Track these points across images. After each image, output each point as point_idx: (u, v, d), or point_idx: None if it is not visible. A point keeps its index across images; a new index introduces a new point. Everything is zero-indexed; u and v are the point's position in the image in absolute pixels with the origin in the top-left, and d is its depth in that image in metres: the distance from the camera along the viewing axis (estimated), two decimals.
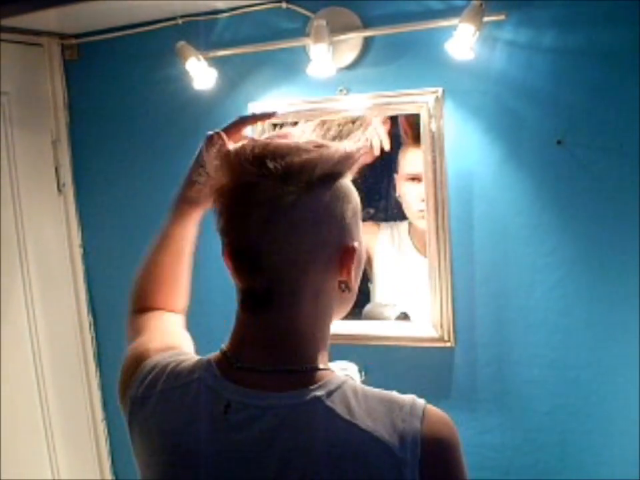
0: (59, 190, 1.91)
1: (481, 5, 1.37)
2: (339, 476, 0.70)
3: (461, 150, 1.53)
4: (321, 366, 0.78)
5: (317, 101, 1.61)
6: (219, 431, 0.75)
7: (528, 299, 1.53)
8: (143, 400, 0.83)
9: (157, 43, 1.75)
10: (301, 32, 1.61)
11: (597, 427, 1.51)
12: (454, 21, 1.41)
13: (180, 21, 1.71)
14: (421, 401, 0.78)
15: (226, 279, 0.84)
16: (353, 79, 1.59)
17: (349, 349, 1.64)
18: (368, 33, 1.56)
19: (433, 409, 0.77)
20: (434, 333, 1.59)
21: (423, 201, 1.58)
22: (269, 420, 0.73)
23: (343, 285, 0.79)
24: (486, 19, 1.39)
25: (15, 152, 1.77)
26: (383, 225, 1.69)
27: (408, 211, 1.65)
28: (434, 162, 1.52)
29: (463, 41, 1.39)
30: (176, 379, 0.81)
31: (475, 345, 1.59)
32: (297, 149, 0.75)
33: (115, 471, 2.03)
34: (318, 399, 0.73)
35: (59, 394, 1.87)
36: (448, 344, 1.59)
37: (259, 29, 1.66)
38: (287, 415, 0.73)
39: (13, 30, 1.72)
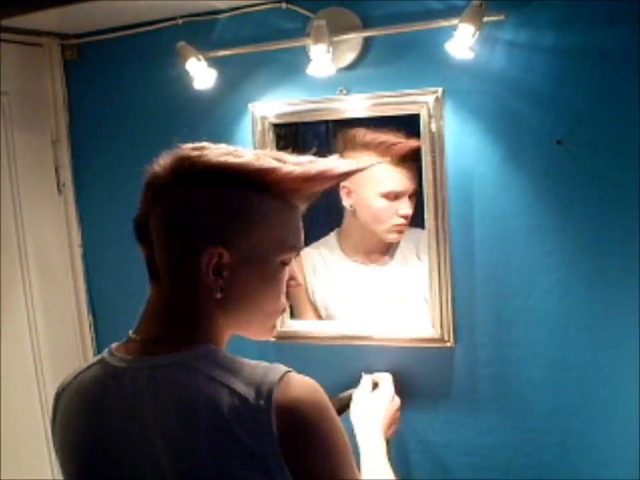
0: (59, 190, 1.91)
1: (481, 5, 1.37)
2: (197, 426, 0.78)
3: (460, 150, 1.53)
4: (206, 341, 0.85)
5: (316, 101, 1.61)
6: (110, 395, 0.86)
7: (528, 299, 1.53)
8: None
9: (157, 43, 1.75)
10: (301, 32, 1.61)
11: (597, 426, 1.51)
12: (454, 21, 1.41)
13: (180, 21, 1.71)
14: (288, 368, 0.83)
15: None
16: (353, 79, 1.59)
17: (348, 349, 1.65)
18: (368, 33, 1.56)
19: (297, 375, 0.83)
20: (434, 333, 1.60)
21: (403, 216, 1.59)
22: (143, 379, 0.83)
23: (212, 286, 0.84)
24: (486, 19, 1.39)
25: (15, 152, 1.77)
26: (308, 247, 1.69)
27: (377, 226, 1.65)
28: (434, 162, 1.52)
29: (463, 41, 1.39)
30: (85, 368, 0.95)
31: (475, 345, 1.59)
32: (191, 150, 0.88)
33: None
34: (186, 360, 0.82)
35: None
36: (448, 344, 1.59)
37: (259, 29, 1.66)
38: (157, 374, 0.83)
39: (13, 30, 1.72)
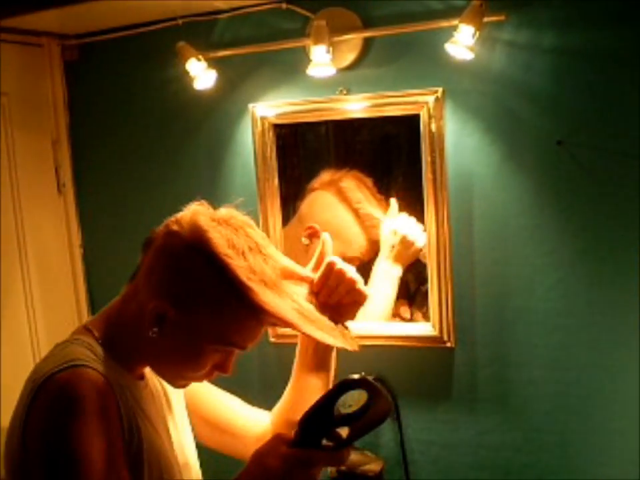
0: (59, 190, 1.91)
1: (481, 5, 1.37)
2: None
3: (460, 150, 1.53)
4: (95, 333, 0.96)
5: (317, 101, 1.61)
6: None
7: (528, 299, 1.53)
8: None
9: (157, 43, 1.75)
10: (301, 32, 1.61)
11: (597, 427, 1.51)
12: (454, 22, 1.41)
13: (180, 21, 1.71)
14: (71, 365, 0.88)
15: None
16: (353, 79, 1.59)
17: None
18: (368, 34, 1.56)
19: (74, 373, 0.87)
20: (434, 333, 1.60)
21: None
22: None
23: (147, 328, 0.91)
24: (486, 19, 1.39)
25: (15, 152, 1.77)
26: None
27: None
28: (434, 162, 1.52)
29: (463, 41, 1.39)
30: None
31: (475, 345, 1.59)
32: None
33: None
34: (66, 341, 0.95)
35: None
36: (448, 344, 1.59)
37: (259, 29, 1.66)
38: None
39: (13, 30, 1.72)
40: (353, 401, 0.89)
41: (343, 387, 0.89)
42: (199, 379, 0.99)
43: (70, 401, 0.84)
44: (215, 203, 1.89)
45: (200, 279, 0.89)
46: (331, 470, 1.54)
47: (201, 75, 1.63)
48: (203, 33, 1.70)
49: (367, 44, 1.57)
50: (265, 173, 1.68)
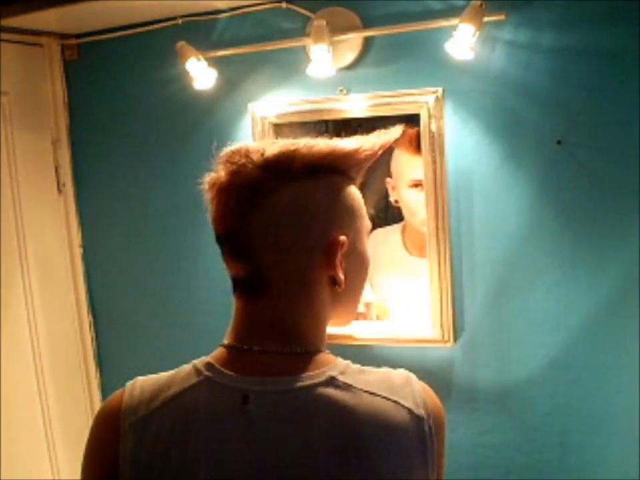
0: (59, 190, 1.91)
1: (481, 5, 1.37)
2: (367, 442, 0.72)
3: (460, 150, 1.53)
4: (325, 350, 0.80)
5: (317, 101, 1.61)
6: (237, 425, 0.73)
7: (528, 299, 1.53)
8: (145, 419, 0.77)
9: (157, 42, 1.75)
10: (301, 32, 1.61)
11: (597, 427, 1.51)
12: (454, 21, 1.41)
13: (180, 21, 1.71)
14: (411, 374, 0.81)
15: (227, 279, 0.84)
16: (353, 79, 1.59)
17: (348, 348, 1.64)
18: (368, 33, 1.56)
19: (423, 384, 0.82)
20: (434, 333, 1.60)
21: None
22: (290, 403, 0.73)
23: (332, 280, 0.79)
24: (486, 19, 1.39)
25: (15, 152, 1.77)
26: (376, 230, 1.67)
27: (413, 218, 1.64)
28: (434, 162, 1.52)
29: (463, 41, 1.39)
30: (168, 389, 0.78)
31: (475, 345, 1.59)
32: (285, 143, 0.79)
33: None
34: (334, 377, 0.75)
35: (59, 394, 1.87)
36: (448, 344, 1.59)
37: (259, 29, 1.66)
38: (307, 395, 0.74)
39: (13, 30, 1.72)
40: None
41: None
42: None
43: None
44: None
45: (330, 193, 0.79)
46: None
47: (201, 74, 1.63)
48: (202, 32, 1.70)
49: (367, 44, 1.57)
50: None
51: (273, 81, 1.67)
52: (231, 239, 0.79)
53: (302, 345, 0.78)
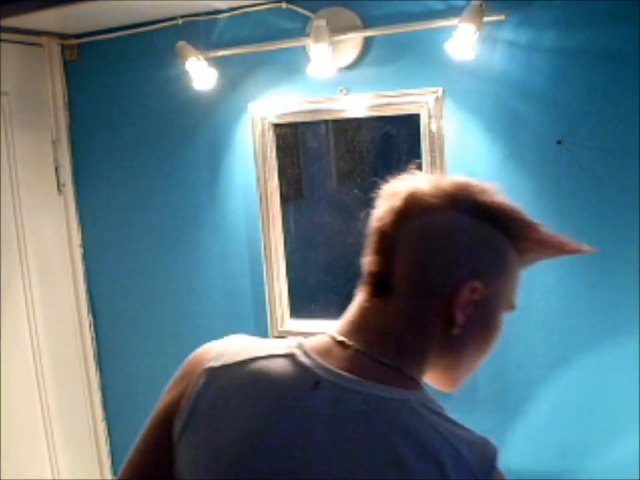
0: (59, 190, 1.91)
1: (481, 5, 1.37)
2: (408, 470, 0.69)
3: (460, 150, 1.53)
4: (413, 376, 0.78)
5: (317, 100, 1.61)
6: (297, 405, 0.73)
7: (528, 299, 1.53)
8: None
9: (157, 43, 1.75)
10: (301, 32, 1.61)
11: (597, 426, 1.51)
12: (454, 21, 1.41)
13: (180, 21, 1.71)
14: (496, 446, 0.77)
15: (227, 279, 0.84)
16: (353, 79, 1.59)
17: None
18: (368, 33, 1.56)
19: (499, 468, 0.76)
20: None
21: None
22: (356, 404, 0.72)
23: (447, 321, 0.77)
24: (486, 19, 1.39)
25: (14, 152, 1.77)
26: None
27: None
28: (434, 162, 1.52)
29: (463, 41, 1.39)
30: (254, 352, 0.78)
31: None
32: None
33: (115, 471, 2.03)
34: (409, 400, 0.74)
35: (59, 394, 1.87)
36: None
37: (259, 28, 1.66)
38: (376, 405, 0.72)
39: (13, 30, 1.72)
40: None
41: None
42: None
43: None
44: (215, 202, 1.90)
45: (488, 239, 0.78)
46: None
47: (201, 74, 1.63)
48: (202, 32, 1.70)
49: (367, 43, 1.57)
50: (265, 173, 1.68)
51: (273, 80, 1.67)
52: (383, 237, 0.79)
53: (392, 358, 0.76)
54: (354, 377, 0.74)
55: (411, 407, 0.73)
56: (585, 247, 0.90)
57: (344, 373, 0.74)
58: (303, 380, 0.74)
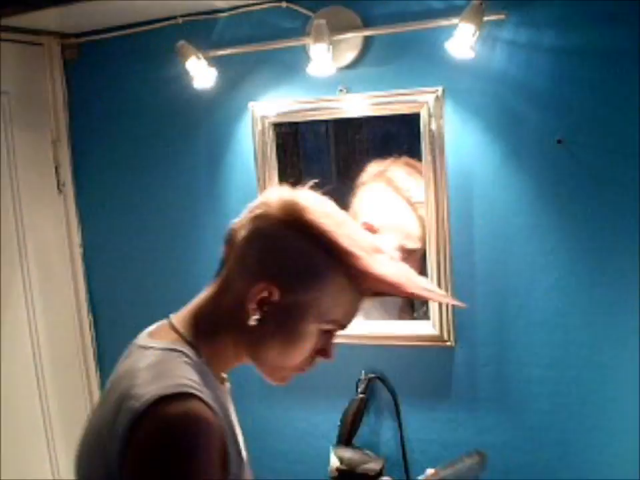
0: (59, 190, 1.91)
1: (481, 4, 1.37)
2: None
3: (460, 150, 1.53)
4: (192, 342, 0.89)
5: (316, 100, 1.61)
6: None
7: (528, 299, 1.53)
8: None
9: (157, 42, 1.75)
10: (301, 31, 1.61)
11: (597, 426, 1.51)
12: (454, 21, 1.41)
13: (180, 21, 1.71)
14: (179, 392, 0.79)
15: None
16: (353, 79, 1.59)
17: (348, 348, 1.64)
18: (368, 33, 1.56)
19: (186, 410, 0.78)
20: (434, 333, 1.59)
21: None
22: (129, 353, 0.93)
23: (250, 313, 0.87)
24: (486, 18, 1.39)
25: (14, 152, 1.77)
26: None
27: None
28: (434, 162, 1.52)
29: (463, 40, 1.39)
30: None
31: (474, 345, 1.59)
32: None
33: None
34: (153, 347, 0.88)
35: (59, 394, 1.87)
36: (448, 344, 1.59)
37: (258, 28, 1.66)
38: (135, 351, 0.91)
39: (13, 30, 1.72)
40: None
41: None
42: (300, 368, 0.95)
43: (186, 447, 0.75)
44: (215, 202, 1.90)
45: (302, 255, 0.87)
46: (331, 469, 1.54)
47: (201, 73, 1.63)
48: (202, 31, 1.70)
49: (367, 43, 1.57)
50: (265, 172, 1.68)
51: (273, 80, 1.67)
52: (230, 232, 0.94)
53: (187, 329, 0.91)
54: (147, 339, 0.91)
55: (149, 351, 0.87)
56: (437, 297, 1.00)
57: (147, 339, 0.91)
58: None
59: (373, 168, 1.65)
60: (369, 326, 1.65)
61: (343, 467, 1.51)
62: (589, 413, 1.52)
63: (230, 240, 0.93)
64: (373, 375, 1.65)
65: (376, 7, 1.55)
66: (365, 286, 0.90)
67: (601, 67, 1.41)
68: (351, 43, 1.57)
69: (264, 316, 0.87)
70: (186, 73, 1.64)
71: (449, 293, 1.56)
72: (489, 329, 1.57)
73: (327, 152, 1.73)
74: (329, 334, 0.93)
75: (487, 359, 1.59)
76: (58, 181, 1.90)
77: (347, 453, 1.53)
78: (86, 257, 1.96)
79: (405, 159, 1.61)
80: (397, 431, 1.67)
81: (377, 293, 0.93)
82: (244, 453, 0.92)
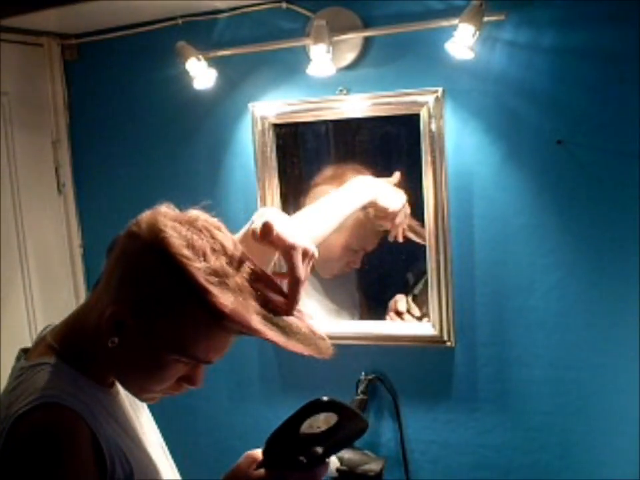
0: (59, 190, 1.91)
1: (481, 4, 1.37)
2: None
3: (461, 150, 1.53)
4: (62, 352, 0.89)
5: (316, 100, 1.61)
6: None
7: (528, 299, 1.53)
8: None
9: (156, 42, 1.75)
10: (301, 32, 1.61)
11: (597, 426, 1.51)
12: (454, 21, 1.41)
13: (180, 21, 1.71)
14: (42, 402, 0.82)
15: None
16: (353, 79, 1.59)
17: (348, 348, 1.65)
18: (368, 33, 1.56)
19: (47, 416, 0.81)
20: (434, 333, 1.60)
21: None
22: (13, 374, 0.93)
23: (105, 336, 0.85)
24: (486, 19, 1.39)
25: (15, 152, 1.77)
26: None
27: None
28: (434, 162, 1.52)
29: (463, 41, 1.39)
30: None
31: (474, 345, 1.59)
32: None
33: None
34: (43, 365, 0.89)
35: None
36: (448, 344, 1.59)
37: (259, 29, 1.66)
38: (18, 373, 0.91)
39: (13, 30, 1.72)
40: (322, 422, 0.86)
41: (310, 409, 0.85)
42: (167, 393, 0.92)
43: (46, 453, 0.78)
44: (215, 202, 1.89)
45: (156, 282, 0.83)
46: (331, 470, 1.54)
47: (201, 74, 1.63)
48: (202, 32, 1.70)
49: (367, 43, 1.57)
50: (265, 173, 1.68)
51: (273, 80, 1.67)
52: (111, 245, 0.94)
53: (58, 342, 0.91)
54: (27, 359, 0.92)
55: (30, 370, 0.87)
56: (274, 337, 0.89)
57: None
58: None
59: (329, 171, 1.68)
60: (369, 326, 1.66)
61: (343, 468, 1.51)
62: (589, 413, 1.52)
63: (109, 253, 0.90)
64: (373, 375, 1.65)
65: (376, 8, 1.55)
66: (225, 324, 0.83)
67: (601, 67, 1.41)
68: (351, 43, 1.57)
69: (122, 339, 0.84)
70: (186, 73, 1.64)
71: (449, 294, 1.56)
72: (489, 329, 1.57)
73: (326, 153, 1.73)
74: (195, 364, 0.88)
75: (487, 359, 1.59)
76: (58, 182, 1.90)
77: (347, 454, 1.53)
78: (86, 257, 1.96)
79: (357, 166, 1.64)
80: (397, 431, 1.67)
81: (242, 331, 0.86)
82: (137, 459, 0.90)
